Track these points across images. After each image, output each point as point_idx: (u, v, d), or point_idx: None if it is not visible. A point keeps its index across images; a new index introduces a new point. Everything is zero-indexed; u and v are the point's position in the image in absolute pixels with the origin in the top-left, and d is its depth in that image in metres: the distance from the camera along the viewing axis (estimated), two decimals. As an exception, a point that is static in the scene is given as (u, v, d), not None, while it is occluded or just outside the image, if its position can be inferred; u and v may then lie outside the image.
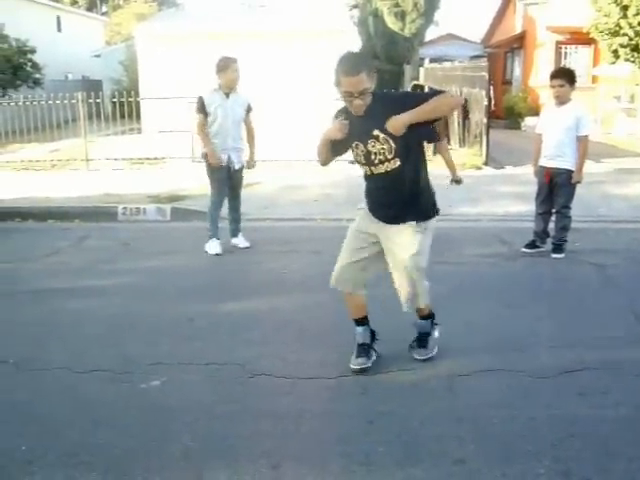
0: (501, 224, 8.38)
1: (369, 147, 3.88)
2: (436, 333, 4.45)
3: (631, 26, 17.24)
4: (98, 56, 30.78)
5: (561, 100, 6.68)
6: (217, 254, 7.03)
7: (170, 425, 3.61)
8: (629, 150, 15.28)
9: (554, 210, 7.00)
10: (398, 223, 4.00)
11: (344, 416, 3.68)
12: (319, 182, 11.26)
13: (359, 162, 4.03)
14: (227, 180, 7.08)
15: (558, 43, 22.43)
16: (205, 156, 6.99)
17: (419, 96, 4.16)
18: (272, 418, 3.64)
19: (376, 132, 3.83)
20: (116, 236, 8.10)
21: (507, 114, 22.79)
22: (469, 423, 3.58)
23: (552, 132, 6.78)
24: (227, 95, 6.85)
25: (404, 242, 3.99)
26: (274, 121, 14.37)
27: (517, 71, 26.10)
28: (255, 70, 18.28)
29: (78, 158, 13.63)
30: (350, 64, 3.74)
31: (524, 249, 7.10)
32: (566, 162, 6.72)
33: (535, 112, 22.37)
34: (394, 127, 3.75)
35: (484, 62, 14.49)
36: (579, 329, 4.93)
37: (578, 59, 22.14)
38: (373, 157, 3.90)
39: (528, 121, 22.01)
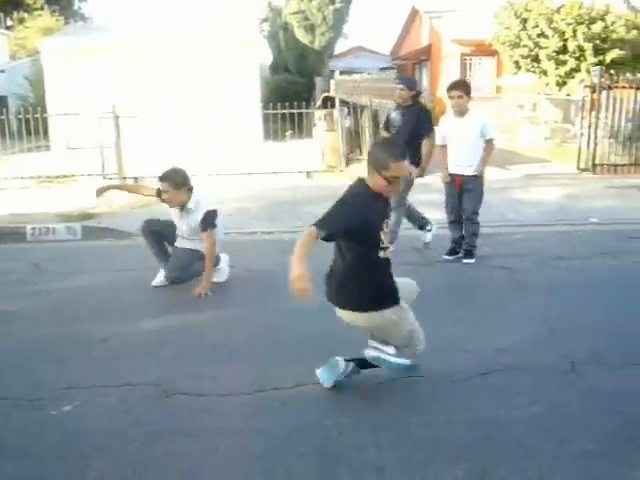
0: (414, 232, 8.53)
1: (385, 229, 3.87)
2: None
3: (530, 38, 17.96)
4: (2, 71, 29.79)
5: (460, 110, 6.89)
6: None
7: (83, 450, 3.51)
8: (533, 157, 15.81)
9: (464, 217, 7.18)
10: None
11: (262, 431, 3.66)
12: (232, 196, 11.20)
13: (380, 243, 3.86)
14: None
15: (463, 55, 23.09)
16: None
17: None
18: (189, 437, 3.58)
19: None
20: (25, 257, 7.83)
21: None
22: (387, 431, 3.62)
23: (460, 143, 6.97)
24: (182, 209, 6.44)
25: None
26: (188, 134, 14.26)
27: (425, 82, 26.73)
28: (166, 84, 18.10)
29: (-18, 177, 13.14)
30: (400, 149, 3.76)
31: (445, 256, 7.26)
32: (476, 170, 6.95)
33: (443, 122, 22.96)
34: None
35: (393, 74, 14.78)
36: (491, 332, 5.06)
37: (482, 70, 22.86)
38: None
39: (437, 131, 22.55)
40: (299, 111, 14.84)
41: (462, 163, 6.99)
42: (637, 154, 14.20)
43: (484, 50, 20.95)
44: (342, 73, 22.11)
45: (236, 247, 8.08)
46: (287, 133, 16.34)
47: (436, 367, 4.39)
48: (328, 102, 15.92)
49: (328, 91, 18.58)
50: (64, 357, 4.77)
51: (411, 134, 7.41)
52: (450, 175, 7.12)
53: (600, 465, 3.29)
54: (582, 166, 14.01)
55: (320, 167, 14.17)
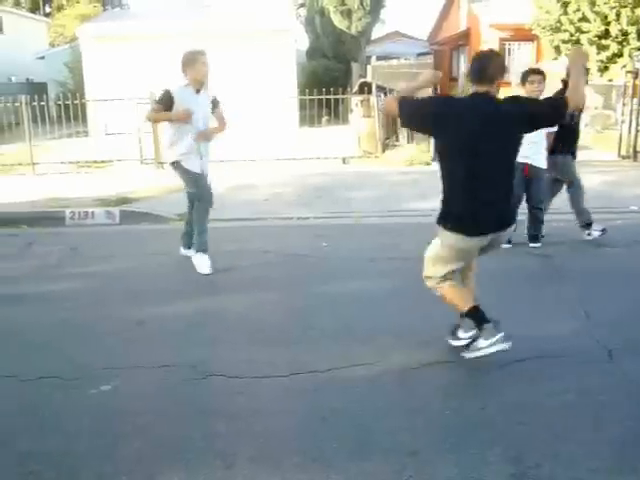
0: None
1: None
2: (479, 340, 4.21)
3: (571, 22, 17.61)
4: (42, 58, 30.17)
5: (538, 97, 6.71)
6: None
7: (121, 429, 3.57)
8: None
9: (529, 205, 7.14)
10: None
11: (297, 414, 3.69)
12: (268, 182, 11.25)
13: None
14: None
15: (502, 40, 22.79)
16: (175, 164, 6.38)
17: None
18: (225, 418, 3.62)
19: None
20: (64, 241, 7.96)
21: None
22: (421, 415, 3.62)
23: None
24: (197, 92, 6.29)
25: None
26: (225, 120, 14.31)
27: (463, 68, 26.45)
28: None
29: (24, 162, 13.36)
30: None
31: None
32: (541, 161, 6.91)
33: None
34: None
35: (430, 59, 14.65)
36: (528, 319, 5.01)
37: (521, 55, 22.53)
38: None
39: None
40: (335, 97, 14.79)
41: (529, 153, 6.80)
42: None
43: (523, 35, 20.64)
44: (379, 59, 22.00)
45: (272, 232, 8.14)
46: (323, 119, 16.30)
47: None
48: (365, 88, 15.82)
49: (365, 77, 18.48)
50: (102, 338, 4.85)
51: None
52: (519, 163, 6.99)
53: (635, 452, 3.25)
54: (623, 153, 13.76)
55: (356, 153, 14.14)
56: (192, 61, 6.19)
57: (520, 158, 6.84)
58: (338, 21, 26.49)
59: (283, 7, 22.32)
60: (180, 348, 4.62)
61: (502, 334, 4.06)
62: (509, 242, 7.06)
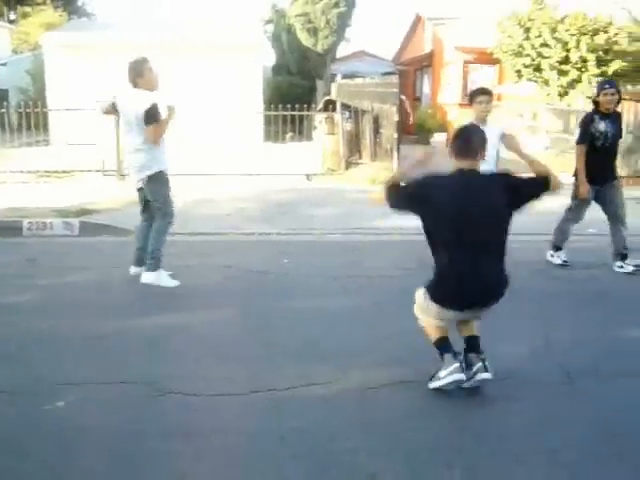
0: (413, 237, 8.51)
1: None
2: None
3: (533, 47, 17.95)
4: (4, 64, 29.72)
5: (486, 117, 6.82)
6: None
7: (74, 446, 3.49)
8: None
9: None
10: None
11: (255, 433, 3.64)
12: (231, 196, 11.21)
13: None
14: None
15: (465, 62, 23.08)
16: (159, 174, 6.23)
17: None
18: (182, 437, 3.57)
19: None
20: (21, 252, 7.81)
21: (417, 130, 23.28)
22: (380, 436, 3.61)
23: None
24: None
25: None
26: (185, 135, 14.24)
27: (426, 88, 26.74)
28: (168, 83, 18.08)
29: (-19, 170, 13.10)
30: None
31: None
32: None
33: (443, 129, 22.94)
34: None
35: (395, 79, 14.79)
36: (486, 340, 5.04)
37: (484, 78, 22.83)
38: None
39: (437, 137, 22.54)
40: (300, 113, 14.84)
41: (487, 170, 6.88)
42: (637, 166, 14.23)
43: (486, 58, 20.93)
44: (344, 77, 22.08)
45: (234, 247, 8.10)
46: (287, 135, 16.32)
47: (429, 373, 4.37)
48: (329, 105, 15.90)
49: (329, 94, 18.55)
50: (59, 353, 4.76)
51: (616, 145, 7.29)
52: None
53: (590, 475, 3.28)
54: (581, 177, 13.97)
55: (320, 170, 14.17)
56: (141, 72, 6.17)
57: None
58: (304, 39, 26.63)
59: (250, 23, 22.34)
60: (138, 364, 4.55)
61: (457, 364, 4.07)
62: None
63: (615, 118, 7.15)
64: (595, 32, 17.43)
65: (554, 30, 17.66)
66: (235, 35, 19.75)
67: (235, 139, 14.83)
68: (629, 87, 15.41)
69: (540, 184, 4.12)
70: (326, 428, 3.68)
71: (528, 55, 18.25)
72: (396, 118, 13.70)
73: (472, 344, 4.23)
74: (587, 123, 7.07)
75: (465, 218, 3.91)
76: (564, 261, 7.38)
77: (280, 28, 27.99)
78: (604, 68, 17.12)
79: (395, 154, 13.84)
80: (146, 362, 4.58)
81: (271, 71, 28.51)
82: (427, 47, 26.08)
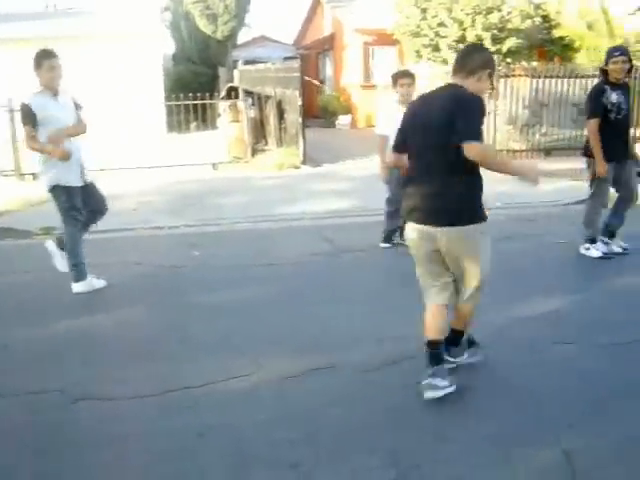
0: (323, 222, 8.56)
1: None
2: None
3: (431, 27, 18.22)
4: None
5: (410, 99, 6.77)
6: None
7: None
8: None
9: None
10: None
11: (174, 433, 3.55)
12: (135, 190, 10.95)
13: None
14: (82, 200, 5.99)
15: (365, 44, 23.24)
16: (52, 187, 5.85)
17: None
18: (96, 446, 3.44)
19: None
20: None
21: (322, 113, 23.35)
22: (301, 425, 3.59)
23: None
24: (55, 96, 5.83)
25: None
26: (90, 127, 13.79)
27: (329, 71, 26.83)
28: (67, 75, 17.43)
29: None
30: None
31: (383, 244, 7.28)
32: None
33: (347, 111, 23.09)
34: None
35: (297, 63, 14.74)
36: (404, 322, 5.11)
37: (384, 59, 23.06)
38: None
39: (342, 119, 22.68)
40: (203, 102, 14.62)
41: None
42: (534, 140, 14.70)
43: (386, 39, 21.10)
44: (246, 63, 21.88)
45: (142, 243, 7.93)
46: (192, 124, 16.06)
47: (349, 358, 4.39)
48: (232, 92, 15.73)
49: (232, 81, 18.36)
50: (-40, 366, 4.53)
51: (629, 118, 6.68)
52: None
53: (511, 443, 3.36)
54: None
55: (226, 159, 14.02)
56: (37, 66, 5.75)
57: None
58: (203, 25, 26.19)
59: (148, 11, 21.78)
60: (47, 372, 4.37)
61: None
62: (390, 241, 7.21)
63: (626, 89, 6.56)
64: (489, 11, 17.83)
65: (450, 10, 17.97)
66: (132, 23, 19.25)
67: (137, 131, 14.49)
68: (524, 63, 15.88)
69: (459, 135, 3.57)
70: (246, 421, 3.63)
71: (426, 35, 18.52)
72: (299, 102, 13.67)
73: (448, 339, 4.09)
74: (598, 95, 6.45)
75: (412, 131, 3.86)
76: (605, 253, 6.72)
77: (178, 16, 27.45)
78: (499, 46, 17.54)
79: (301, 139, 13.84)
80: (56, 369, 4.41)
81: (172, 60, 27.99)
82: (327, 30, 26.14)
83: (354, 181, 11.67)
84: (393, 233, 7.26)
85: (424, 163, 3.80)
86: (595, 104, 6.44)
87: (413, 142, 3.88)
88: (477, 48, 4.34)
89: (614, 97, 6.36)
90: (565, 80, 15.11)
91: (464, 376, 4.07)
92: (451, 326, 4.12)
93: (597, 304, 5.44)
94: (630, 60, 6.41)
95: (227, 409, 3.79)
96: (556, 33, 18.71)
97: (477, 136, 3.57)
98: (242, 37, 30.58)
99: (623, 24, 17.41)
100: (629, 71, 6.51)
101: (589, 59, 17.71)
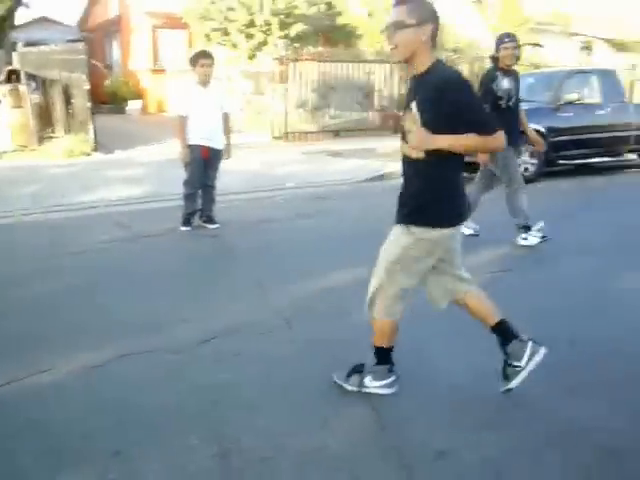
0: (118, 209, 8.37)
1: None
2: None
3: (220, 12, 18.26)
4: None
5: (209, 80, 6.96)
6: None
7: None
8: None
9: (207, 186, 7.29)
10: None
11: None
12: None
13: None
14: None
15: (154, 27, 22.79)
16: None
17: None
18: None
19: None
20: None
21: (111, 99, 22.60)
22: (116, 413, 3.50)
23: (206, 114, 6.99)
24: None
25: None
26: None
27: (116, 55, 26.00)
28: None
29: None
30: None
31: (183, 227, 7.30)
32: (220, 143, 7.16)
33: (137, 96, 22.53)
34: (418, 142, 3.12)
35: (82, 46, 14.19)
36: (208, 299, 5.17)
37: (174, 43, 22.76)
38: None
39: (132, 105, 22.10)
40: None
41: (210, 135, 7.05)
42: (323, 122, 15.28)
43: (176, 23, 20.83)
44: (27, 45, 20.61)
45: None
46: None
47: (157, 341, 4.37)
48: (13, 76, 14.78)
49: (11, 64, 17.23)
50: None
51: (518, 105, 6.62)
52: (198, 146, 7.05)
53: (320, 406, 3.51)
54: (276, 135, 14.70)
55: (10, 147, 13.21)
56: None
57: (200, 141, 7.10)
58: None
59: None
60: None
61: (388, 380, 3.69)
62: (189, 224, 7.25)
63: (516, 76, 6.56)
64: (276, -4, 18.20)
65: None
66: None
67: None
68: (310, 48, 16.40)
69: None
70: (57, 416, 3.49)
71: (215, 19, 18.53)
72: (87, 87, 13.18)
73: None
74: (488, 82, 6.42)
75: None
76: (543, 237, 6.65)
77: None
78: (286, 31, 17.97)
79: (91, 125, 13.38)
80: None
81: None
82: (113, 12, 25.30)
83: (149, 167, 11.51)
84: (192, 215, 7.31)
85: None
86: (484, 91, 6.34)
87: None
88: None
89: (505, 84, 6.36)
90: (350, 65, 15.83)
91: (271, 350, 4.20)
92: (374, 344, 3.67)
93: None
94: (519, 47, 6.44)
95: (35, 406, 3.59)
96: (340, 20, 19.49)
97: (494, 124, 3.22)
98: (21, 18, 28.76)
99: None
100: (518, 58, 6.50)
101: (370, 45, 18.66)
